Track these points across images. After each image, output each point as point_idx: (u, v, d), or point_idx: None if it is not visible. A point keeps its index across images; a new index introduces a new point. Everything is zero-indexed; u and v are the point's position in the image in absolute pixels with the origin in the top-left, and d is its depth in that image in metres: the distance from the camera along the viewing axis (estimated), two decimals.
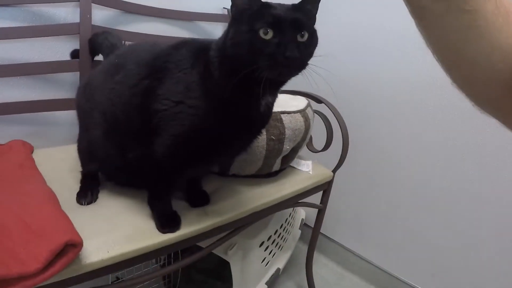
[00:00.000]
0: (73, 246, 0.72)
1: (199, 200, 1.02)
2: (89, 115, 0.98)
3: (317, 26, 0.73)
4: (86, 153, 1.04)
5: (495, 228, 1.34)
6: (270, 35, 0.71)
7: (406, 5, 0.46)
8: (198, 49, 0.85)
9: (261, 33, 0.70)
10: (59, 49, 1.35)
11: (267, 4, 0.74)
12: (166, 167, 0.88)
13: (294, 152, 1.23)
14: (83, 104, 1.01)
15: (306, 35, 0.74)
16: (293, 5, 0.75)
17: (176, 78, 0.82)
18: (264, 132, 1.08)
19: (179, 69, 0.83)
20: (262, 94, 0.78)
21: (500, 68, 0.44)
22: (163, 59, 0.87)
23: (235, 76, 0.75)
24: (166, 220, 0.91)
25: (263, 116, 0.87)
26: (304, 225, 1.80)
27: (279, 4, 0.75)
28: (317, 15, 0.80)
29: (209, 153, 0.88)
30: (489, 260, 1.37)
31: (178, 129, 0.82)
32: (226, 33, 0.79)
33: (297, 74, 0.78)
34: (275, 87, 0.84)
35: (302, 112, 1.19)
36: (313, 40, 0.77)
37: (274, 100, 0.88)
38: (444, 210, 1.47)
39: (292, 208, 1.62)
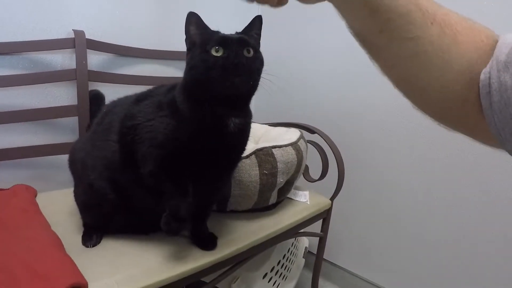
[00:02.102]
0: None
1: (206, 245, 1.02)
2: (85, 170, 1.01)
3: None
4: (84, 206, 1.06)
5: (503, 250, 1.35)
6: (220, 52, 0.79)
7: (355, 40, 0.49)
8: (160, 101, 0.92)
9: (212, 51, 0.79)
10: (58, 95, 1.40)
11: (215, 31, 0.84)
12: (153, 184, 0.89)
13: (289, 184, 1.25)
14: (79, 158, 1.05)
15: (252, 52, 0.82)
16: (238, 32, 0.86)
17: (147, 124, 0.89)
18: (256, 167, 1.12)
19: (147, 118, 0.90)
20: (225, 114, 0.85)
21: (455, 89, 0.45)
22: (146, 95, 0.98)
23: (198, 103, 0.83)
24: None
25: (234, 136, 0.89)
26: (308, 252, 1.81)
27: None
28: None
29: (189, 168, 0.89)
30: (497, 281, 1.38)
31: (153, 141, 0.86)
32: (184, 74, 0.87)
33: (248, 85, 0.84)
34: (235, 107, 0.87)
35: (293, 144, 1.22)
36: (258, 57, 0.85)
37: (244, 122, 0.90)
38: (448, 227, 1.48)
39: (294, 238, 1.63)
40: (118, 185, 0.96)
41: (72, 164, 1.10)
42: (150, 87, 1.02)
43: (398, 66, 0.48)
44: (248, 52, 0.82)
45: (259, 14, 0.88)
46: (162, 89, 0.96)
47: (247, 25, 0.88)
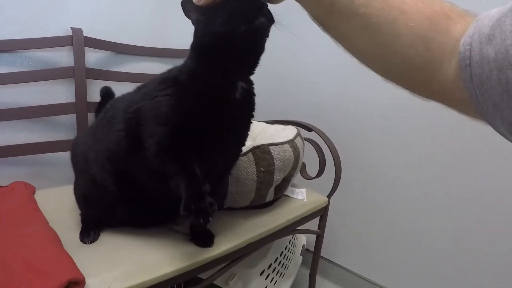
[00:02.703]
0: (76, 284, 0.75)
1: (204, 241, 1.02)
2: (87, 163, 1.02)
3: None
4: (84, 200, 1.06)
5: (502, 246, 1.35)
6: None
7: (317, 25, 0.54)
8: (162, 78, 0.93)
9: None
10: (56, 92, 1.41)
11: None
12: (159, 166, 0.87)
13: (286, 181, 1.26)
14: (81, 152, 1.05)
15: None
16: None
17: (151, 102, 0.89)
18: (253, 165, 1.12)
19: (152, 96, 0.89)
20: (234, 77, 0.87)
21: (412, 55, 0.46)
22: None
23: (209, 65, 0.84)
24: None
25: (241, 102, 0.90)
26: (305, 250, 1.81)
27: None
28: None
29: (196, 141, 0.87)
30: (496, 279, 1.38)
31: (158, 117, 0.85)
32: (192, 45, 0.87)
33: (269, 27, 0.82)
34: (244, 70, 0.89)
35: (290, 142, 1.23)
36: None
37: (249, 88, 0.92)
38: (444, 224, 1.48)
39: (292, 235, 1.64)
40: (120, 178, 0.96)
41: (74, 158, 1.11)
42: None
43: (352, 42, 0.52)
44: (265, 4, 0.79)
45: None
46: (162, 72, 0.96)
47: None
